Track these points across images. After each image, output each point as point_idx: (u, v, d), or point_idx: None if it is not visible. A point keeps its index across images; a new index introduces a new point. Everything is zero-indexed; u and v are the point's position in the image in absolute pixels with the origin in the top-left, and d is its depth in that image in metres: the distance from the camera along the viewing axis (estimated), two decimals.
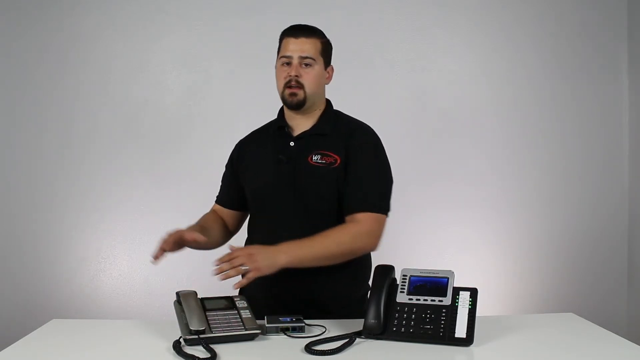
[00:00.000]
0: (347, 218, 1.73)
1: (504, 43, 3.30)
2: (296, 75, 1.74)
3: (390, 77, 3.26)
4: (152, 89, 3.22)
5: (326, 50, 1.82)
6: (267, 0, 3.21)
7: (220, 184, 1.98)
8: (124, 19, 3.20)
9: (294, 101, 1.76)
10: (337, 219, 1.74)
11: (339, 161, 1.75)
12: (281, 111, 1.88)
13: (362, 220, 1.70)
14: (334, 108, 1.88)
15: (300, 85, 1.75)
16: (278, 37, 1.83)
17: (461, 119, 3.28)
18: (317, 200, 1.75)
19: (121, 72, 3.21)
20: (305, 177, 1.75)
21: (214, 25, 3.21)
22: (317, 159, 1.76)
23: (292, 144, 1.80)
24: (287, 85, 1.75)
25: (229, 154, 1.96)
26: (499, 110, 3.30)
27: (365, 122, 1.90)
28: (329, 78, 1.84)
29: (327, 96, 1.87)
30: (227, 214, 1.95)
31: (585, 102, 3.33)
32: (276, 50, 1.84)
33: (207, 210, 1.96)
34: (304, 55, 1.75)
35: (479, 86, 3.30)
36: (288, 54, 1.75)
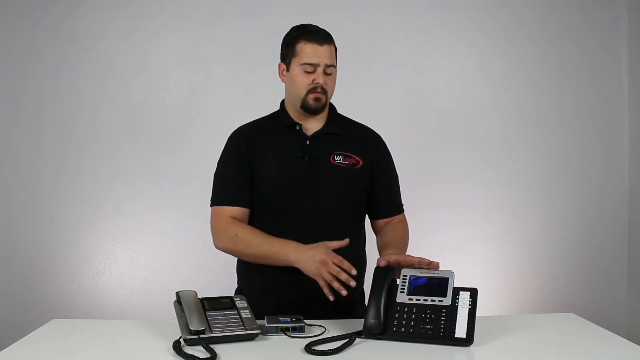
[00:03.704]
0: (385, 221, 1.89)
1: (504, 43, 3.30)
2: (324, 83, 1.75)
3: (390, 77, 3.26)
4: (152, 89, 3.21)
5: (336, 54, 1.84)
6: (267, 0, 3.21)
7: (221, 183, 1.82)
8: (124, 19, 3.20)
9: (318, 106, 1.77)
10: (350, 217, 1.81)
11: (361, 163, 1.81)
12: (283, 108, 1.86)
13: (401, 219, 1.92)
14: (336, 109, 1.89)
15: (324, 91, 1.76)
16: (278, 37, 1.82)
17: (461, 119, 3.28)
18: (338, 199, 1.78)
19: (121, 72, 3.20)
20: (329, 176, 1.77)
21: (214, 25, 3.21)
22: (339, 160, 1.79)
23: (307, 142, 1.80)
24: (312, 90, 1.74)
25: (228, 147, 1.84)
26: (499, 110, 3.30)
27: (365, 122, 1.93)
28: None
29: None
30: (244, 215, 1.80)
31: (585, 102, 3.33)
32: (278, 49, 1.82)
33: (207, 209, 1.85)
34: (329, 63, 1.75)
35: (479, 86, 3.30)
36: (315, 61, 1.73)
